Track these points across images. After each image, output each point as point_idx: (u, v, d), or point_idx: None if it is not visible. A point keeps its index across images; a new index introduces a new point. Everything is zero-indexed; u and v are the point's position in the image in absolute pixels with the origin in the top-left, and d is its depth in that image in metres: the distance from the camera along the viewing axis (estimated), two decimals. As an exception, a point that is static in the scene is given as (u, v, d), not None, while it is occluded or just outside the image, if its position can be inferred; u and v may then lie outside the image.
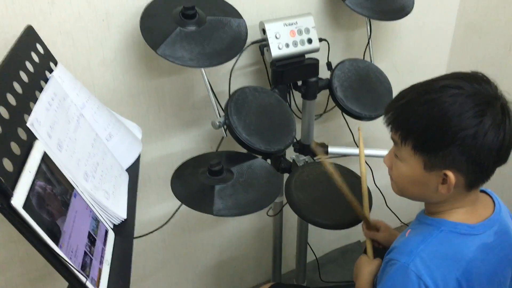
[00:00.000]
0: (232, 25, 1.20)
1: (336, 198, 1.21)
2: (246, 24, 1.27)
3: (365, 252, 1.11)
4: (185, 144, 1.50)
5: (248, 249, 1.87)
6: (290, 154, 1.54)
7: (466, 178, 0.84)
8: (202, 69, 1.20)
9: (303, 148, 1.53)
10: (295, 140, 1.57)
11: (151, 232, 1.34)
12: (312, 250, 1.82)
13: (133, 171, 1.12)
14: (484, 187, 0.92)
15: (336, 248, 2.10)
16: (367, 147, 1.79)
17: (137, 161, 1.15)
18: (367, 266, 1.02)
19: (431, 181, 0.86)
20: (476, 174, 0.84)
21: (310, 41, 1.37)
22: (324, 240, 2.03)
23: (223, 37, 1.16)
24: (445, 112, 0.80)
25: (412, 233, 0.91)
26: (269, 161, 1.50)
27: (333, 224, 1.20)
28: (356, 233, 2.08)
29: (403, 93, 0.88)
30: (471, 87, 0.81)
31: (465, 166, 0.82)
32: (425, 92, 0.83)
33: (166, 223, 1.31)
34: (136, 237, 1.36)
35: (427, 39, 1.84)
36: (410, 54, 1.83)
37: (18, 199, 0.68)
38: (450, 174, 0.82)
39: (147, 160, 1.46)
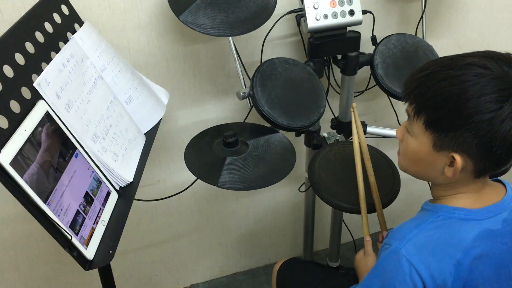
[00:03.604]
0: (261, -7, 1.15)
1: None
2: (285, -9, 1.22)
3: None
4: (220, 112, 1.50)
5: (284, 222, 1.86)
6: (329, 130, 1.49)
7: (475, 165, 0.78)
8: (230, 38, 1.18)
9: (339, 125, 1.46)
10: (333, 117, 1.52)
11: (173, 195, 1.37)
12: (349, 230, 1.77)
13: (151, 135, 1.14)
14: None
15: (378, 231, 2.03)
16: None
17: (156, 125, 1.17)
18: (362, 263, 1.02)
19: (437, 162, 0.81)
20: (486, 162, 0.77)
21: (352, 12, 1.28)
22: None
23: (249, 6, 1.12)
24: (464, 91, 0.74)
25: (411, 219, 0.86)
26: (303, 136, 1.46)
27: (351, 208, 1.15)
28: (403, 216, 1.99)
29: (427, 65, 0.81)
30: (499, 69, 0.74)
31: (475, 152, 0.76)
32: (449, 67, 0.77)
33: (187, 188, 1.33)
34: (167, 197, 1.41)
35: (499, 16, 1.65)
36: (477, 31, 1.66)
37: (6, 156, 0.72)
38: (458, 157, 0.77)
39: (181, 125, 1.48)
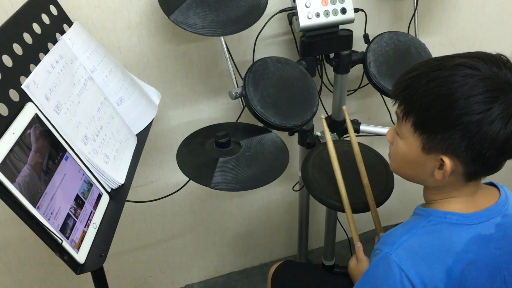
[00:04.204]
0: (252, -9, 1.15)
1: (354, 180, 1.15)
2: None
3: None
4: (213, 112, 1.49)
5: (279, 221, 1.86)
6: (322, 129, 1.48)
7: (464, 167, 0.77)
8: (221, 37, 1.17)
9: (333, 124, 1.46)
10: (326, 115, 1.51)
11: (167, 196, 1.36)
12: (343, 229, 1.77)
13: (142, 136, 1.13)
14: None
15: (372, 229, 2.03)
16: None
17: (148, 126, 1.16)
18: (357, 270, 1.01)
19: (427, 164, 0.80)
20: (476, 165, 0.77)
21: (344, 11, 1.27)
22: (361, 220, 1.95)
23: (241, 5, 1.11)
24: (452, 92, 0.73)
25: (402, 223, 0.86)
26: (297, 135, 1.46)
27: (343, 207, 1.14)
28: (398, 214, 1.99)
29: (416, 66, 0.81)
30: (488, 69, 0.73)
31: (464, 154, 0.75)
32: (437, 68, 0.77)
33: (181, 188, 1.32)
34: (160, 198, 1.40)
35: (490, 12, 1.65)
36: (470, 28, 1.66)
37: (-7, 159, 0.71)
38: (447, 160, 0.76)
39: (174, 125, 1.47)
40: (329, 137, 1.18)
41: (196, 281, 1.86)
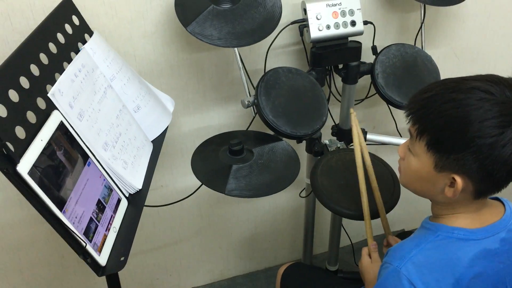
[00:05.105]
0: (266, 5, 1.18)
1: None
2: (288, 2, 1.24)
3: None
4: (223, 119, 1.53)
5: (284, 226, 1.89)
6: (329, 137, 1.52)
7: (475, 186, 0.80)
8: (235, 48, 1.20)
9: (340, 132, 1.50)
10: (333, 124, 1.55)
11: (181, 199, 1.39)
12: (347, 235, 1.80)
13: (157, 143, 1.16)
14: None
15: (378, 234, 2.06)
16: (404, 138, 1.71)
17: (163, 133, 1.19)
18: (369, 269, 1.03)
19: (438, 182, 0.83)
20: (486, 184, 0.80)
21: (353, 23, 1.31)
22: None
23: (255, 17, 1.15)
24: (467, 115, 0.76)
25: (410, 237, 0.89)
26: (305, 143, 1.49)
27: (353, 214, 1.18)
28: (400, 221, 2.03)
29: (431, 86, 0.83)
30: (502, 94, 0.76)
31: (476, 174, 0.78)
32: (452, 90, 0.79)
33: (191, 194, 1.35)
34: (170, 204, 1.44)
35: (494, 25, 1.69)
36: (474, 40, 1.70)
37: (24, 165, 0.74)
38: (459, 179, 0.79)
39: (184, 131, 1.51)
40: (355, 134, 1.19)
41: (202, 284, 1.89)
